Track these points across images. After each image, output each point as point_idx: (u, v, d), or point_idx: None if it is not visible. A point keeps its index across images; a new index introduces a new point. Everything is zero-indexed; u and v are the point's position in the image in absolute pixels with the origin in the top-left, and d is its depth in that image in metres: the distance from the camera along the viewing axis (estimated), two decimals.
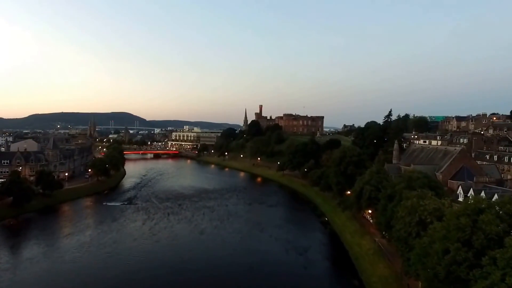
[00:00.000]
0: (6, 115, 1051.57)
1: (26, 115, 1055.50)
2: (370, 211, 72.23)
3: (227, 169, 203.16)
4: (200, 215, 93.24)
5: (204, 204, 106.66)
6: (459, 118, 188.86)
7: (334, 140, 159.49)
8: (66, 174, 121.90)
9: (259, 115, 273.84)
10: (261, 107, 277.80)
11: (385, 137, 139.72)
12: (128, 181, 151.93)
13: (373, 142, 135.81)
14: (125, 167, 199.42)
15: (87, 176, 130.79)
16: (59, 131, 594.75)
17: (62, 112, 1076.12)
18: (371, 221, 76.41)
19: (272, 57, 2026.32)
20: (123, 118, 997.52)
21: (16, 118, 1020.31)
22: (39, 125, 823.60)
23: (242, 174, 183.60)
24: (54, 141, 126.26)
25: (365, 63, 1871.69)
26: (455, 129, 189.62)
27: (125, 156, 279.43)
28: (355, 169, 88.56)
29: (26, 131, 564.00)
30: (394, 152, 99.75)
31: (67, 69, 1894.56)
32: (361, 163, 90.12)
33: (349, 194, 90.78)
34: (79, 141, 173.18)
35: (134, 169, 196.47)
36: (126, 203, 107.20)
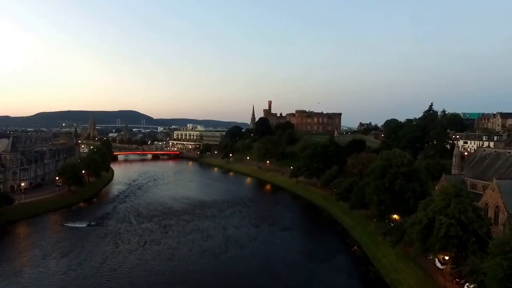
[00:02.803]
0: (13, 113, 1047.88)
1: (33, 113, 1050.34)
2: (446, 258, 45.84)
3: (231, 173, 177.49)
4: (188, 245, 67.84)
5: (197, 225, 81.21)
6: (504, 115, 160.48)
7: (358, 141, 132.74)
8: (23, 184, 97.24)
9: (268, 111, 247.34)
10: (270, 103, 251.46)
11: (425, 137, 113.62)
12: (111, 190, 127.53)
13: (410, 144, 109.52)
14: (116, 170, 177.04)
15: (60, 185, 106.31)
16: (63, 129, 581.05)
17: (68, 110, 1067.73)
18: (440, 267, 50.06)
19: (280, 52, 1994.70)
20: (130, 116, 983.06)
21: (23, 116, 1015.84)
22: (45, 123, 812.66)
23: (248, 179, 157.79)
24: (13, 142, 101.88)
25: (378, 58, 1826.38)
26: (499, 127, 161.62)
27: (125, 157, 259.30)
28: (406, 183, 62.29)
29: (30, 129, 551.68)
30: (454, 158, 73.18)
31: (73, 68, 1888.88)
32: (413, 176, 63.70)
33: (396, 218, 64.72)
34: (60, 141, 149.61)
35: (126, 173, 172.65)
36: (95, 223, 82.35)
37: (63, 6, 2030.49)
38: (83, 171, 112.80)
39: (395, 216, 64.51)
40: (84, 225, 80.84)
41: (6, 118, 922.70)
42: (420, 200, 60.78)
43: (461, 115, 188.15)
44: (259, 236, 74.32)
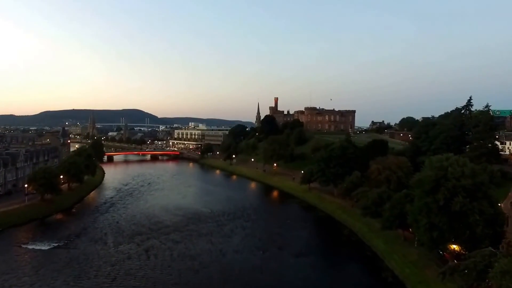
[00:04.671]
0: (18, 112, 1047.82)
1: (38, 112, 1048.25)
2: None
3: (234, 176, 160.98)
4: (172, 279, 51.37)
5: (188, 248, 64.61)
6: None
7: (379, 142, 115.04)
8: None
9: (274, 109, 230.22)
10: (276, 99, 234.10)
11: (465, 137, 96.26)
12: (96, 196, 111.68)
13: (446, 146, 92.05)
14: (110, 172, 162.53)
15: (33, 192, 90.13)
16: (66, 128, 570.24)
17: (73, 109, 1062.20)
18: None
19: (284, 50, 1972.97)
20: (134, 115, 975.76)
21: (28, 115, 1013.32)
22: (50, 122, 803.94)
23: (252, 184, 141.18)
24: None
25: (383, 55, 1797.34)
26: None
27: (124, 158, 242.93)
28: (470, 202, 45.18)
29: (33, 128, 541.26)
30: None
31: (78, 67, 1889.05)
32: (479, 191, 46.51)
33: (455, 249, 47.74)
34: (43, 141, 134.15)
35: (119, 176, 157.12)
36: (62, 244, 66.21)
37: (66, 6, 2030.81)
38: (61, 176, 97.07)
39: (454, 247, 47.51)
40: (47, 246, 64.58)
41: (11, 117, 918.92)
42: (492, 225, 44.15)
43: (490, 112, 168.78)
44: (267, 266, 57.46)
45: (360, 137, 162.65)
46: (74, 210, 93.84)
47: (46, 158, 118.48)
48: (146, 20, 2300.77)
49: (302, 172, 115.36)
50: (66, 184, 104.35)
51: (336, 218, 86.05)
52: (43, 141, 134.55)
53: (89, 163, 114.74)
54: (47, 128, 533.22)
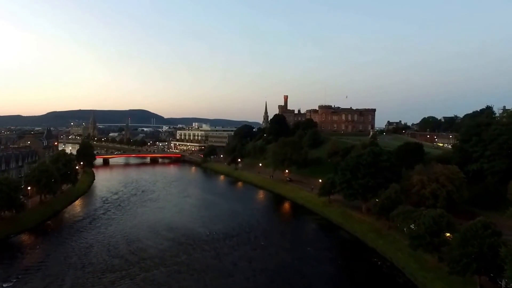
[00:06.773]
0: (25, 113, 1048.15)
1: (44, 113, 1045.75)
2: None
3: (240, 183, 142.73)
4: None
5: None
6: None
7: (413, 146, 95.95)
8: None
9: (283, 108, 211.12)
10: (286, 98, 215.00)
11: None
12: (75, 210, 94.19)
13: (506, 151, 73.08)
14: (102, 177, 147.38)
15: None
16: (69, 128, 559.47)
17: (79, 110, 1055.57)
18: None
19: (292, 46, 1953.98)
20: (140, 116, 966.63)
21: (34, 116, 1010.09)
22: (57, 122, 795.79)
23: (261, 194, 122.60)
24: None
25: (405, 51, 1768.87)
26: None
27: (125, 160, 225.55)
28: None
29: (38, 128, 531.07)
30: None
31: (85, 68, 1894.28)
32: None
33: None
34: (20, 144, 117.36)
35: (111, 182, 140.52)
36: (5, 286, 48.62)
37: (72, 9, 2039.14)
38: (29, 188, 79.89)
39: None
40: None
41: (18, 117, 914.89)
42: None
43: None
44: None
45: (383, 139, 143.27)
46: (42, 229, 76.39)
47: (20, 164, 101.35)
48: (151, 22, 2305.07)
49: (320, 181, 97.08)
50: (39, 197, 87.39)
51: (368, 244, 67.24)
52: (21, 144, 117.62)
53: (68, 170, 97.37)
54: (52, 128, 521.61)
